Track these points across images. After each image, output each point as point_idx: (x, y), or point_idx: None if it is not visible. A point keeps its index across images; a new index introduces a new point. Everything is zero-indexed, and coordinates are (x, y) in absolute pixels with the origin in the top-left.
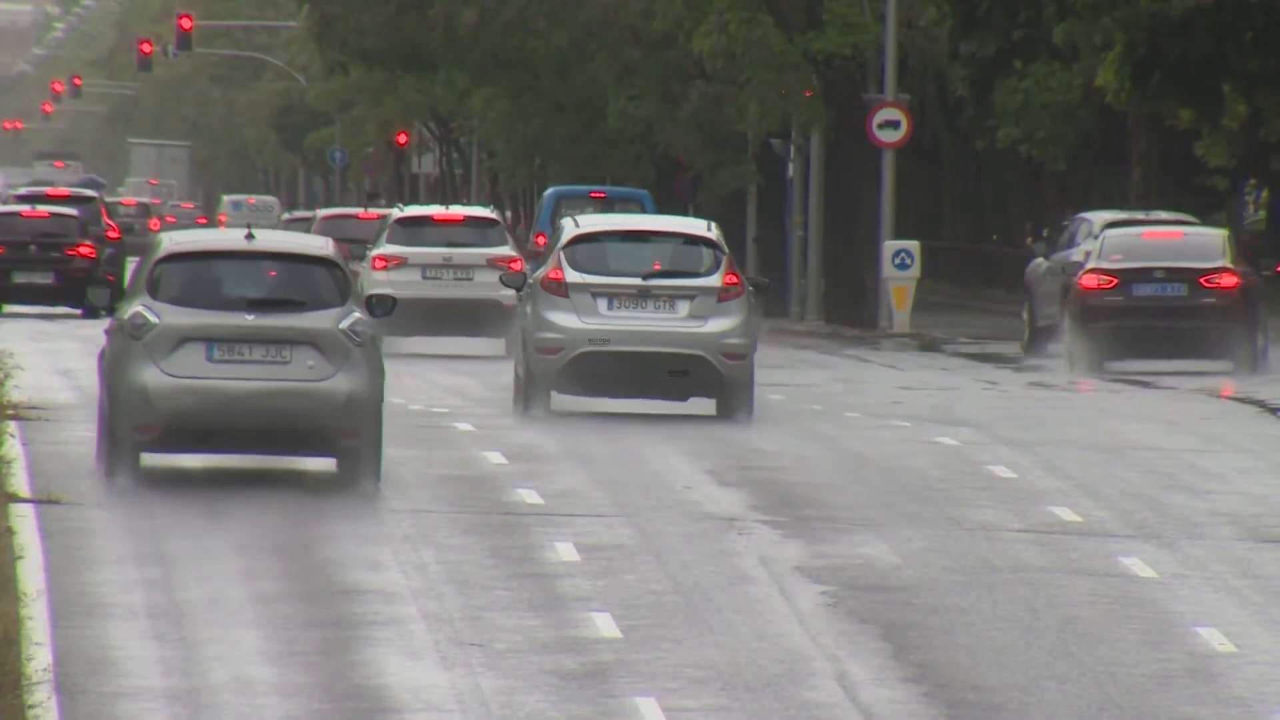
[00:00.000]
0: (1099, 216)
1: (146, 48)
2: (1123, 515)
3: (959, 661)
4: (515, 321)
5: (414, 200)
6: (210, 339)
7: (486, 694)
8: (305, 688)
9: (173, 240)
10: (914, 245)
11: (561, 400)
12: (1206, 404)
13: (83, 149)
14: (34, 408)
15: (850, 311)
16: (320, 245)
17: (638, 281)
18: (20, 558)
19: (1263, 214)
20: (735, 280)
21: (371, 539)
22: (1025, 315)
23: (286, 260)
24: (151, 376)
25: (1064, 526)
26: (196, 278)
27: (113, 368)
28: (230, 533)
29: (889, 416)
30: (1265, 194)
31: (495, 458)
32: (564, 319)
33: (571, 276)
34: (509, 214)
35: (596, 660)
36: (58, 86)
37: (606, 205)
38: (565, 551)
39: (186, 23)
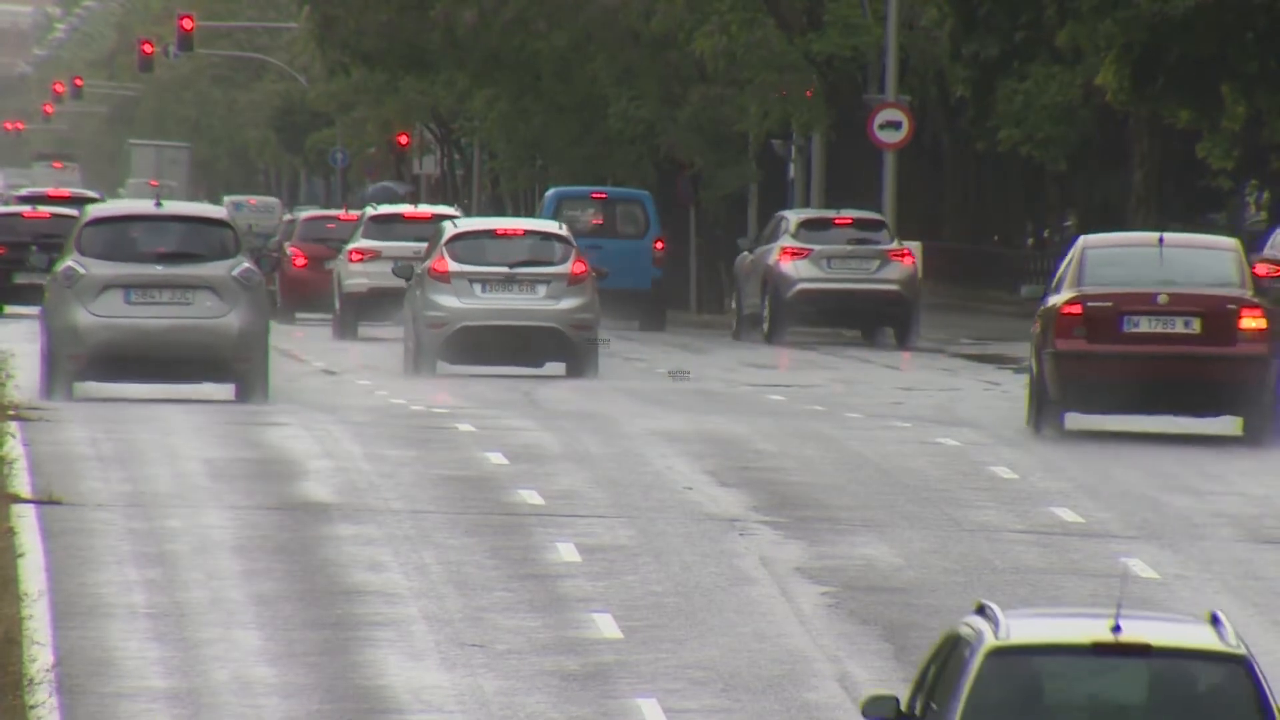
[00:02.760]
0: (795, 215)
1: (147, 49)
2: (1124, 516)
3: None
4: (405, 304)
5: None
6: (127, 285)
7: (487, 695)
8: (306, 688)
9: (96, 209)
10: (915, 246)
11: (445, 365)
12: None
13: (83, 150)
14: (35, 408)
15: None
16: (216, 210)
17: (505, 270)
18: (21, 557)
19: (1264, 215)
20: (582, 268)
21: (372, 540)
22: (733, 305)
23: (188, 222)
24: (81, 316)
25: (1065, 527)
26: (116, 237)
27: (51, 311)
28: (231, 534)
29: (890, 417)
30: (1266, 195)
31: (496, 458)
32: (447, 300)
33: (452, 267)
34: (510, 213)
35: (597, 661)
36: (59, 87)
37: (608, 206)
38: (566, 552)
39: (187, 24)
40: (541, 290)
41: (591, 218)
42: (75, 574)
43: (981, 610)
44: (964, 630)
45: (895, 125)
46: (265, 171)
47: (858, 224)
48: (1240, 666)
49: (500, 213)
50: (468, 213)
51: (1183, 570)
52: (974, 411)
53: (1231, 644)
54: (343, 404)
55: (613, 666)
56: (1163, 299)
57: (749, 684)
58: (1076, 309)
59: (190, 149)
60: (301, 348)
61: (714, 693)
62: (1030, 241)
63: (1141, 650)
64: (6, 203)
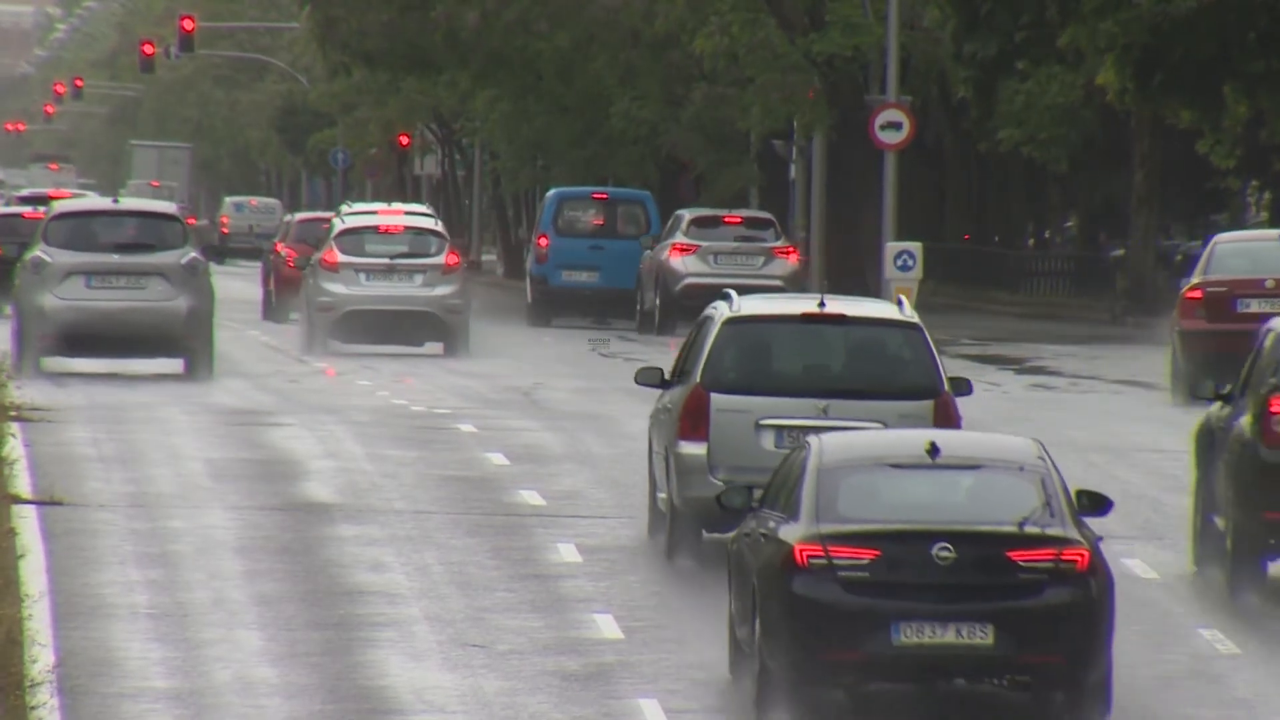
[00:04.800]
0: (689, 213)
1: (149, 49)
2: (1125, 516)
3: None
4: (301, 292)
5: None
6: (89, 272)
7: (489, 695)
8: (308, 689)
9: (61, 205)
10: (916, 246)
11: (335, 344)
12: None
13: (84, 151)
14: (36, 409)
15: None
16: (167, 206)
17: (386, 261)
18: (23, 558)
19: (1265, 215)
20: (455, 259)
21: (374, 540)
22: (639, 302)
23: (142, 216)
24: (48, 300)
25: None
26: (78, 230)
27: (22, 295)
28: (233, 534)
29: None
30: (1268, 196)
31: (497, 459)
32: (335, 288)
33: (341, 258)
34: (511, 214)
35: (599, 661)
36: (59, 88)
37: (609, 206)
38: (567, 553)
39: (189, 24)
40: (418, 279)
41: (593, 218)
42: (77, 575)
43: (725, 295)
44: (710, 311)
45: (896, 126)
46: (266, 172)
47: (747, 223)
48: (915, 331)
49: (502, 213)
50: (469, 213)
51: (1184, 570)
52: (974, 412)
53: (909, 316)
54: (344, 404)
55: (614, 667)
56: (1270, 284)
57: (749, 684)
58: (1198, 294)
59: (192, 150)
60: (295, 346)
61: (715, 693)
62: (1031, 242)
63: (839, 319)
64: (7, 203)
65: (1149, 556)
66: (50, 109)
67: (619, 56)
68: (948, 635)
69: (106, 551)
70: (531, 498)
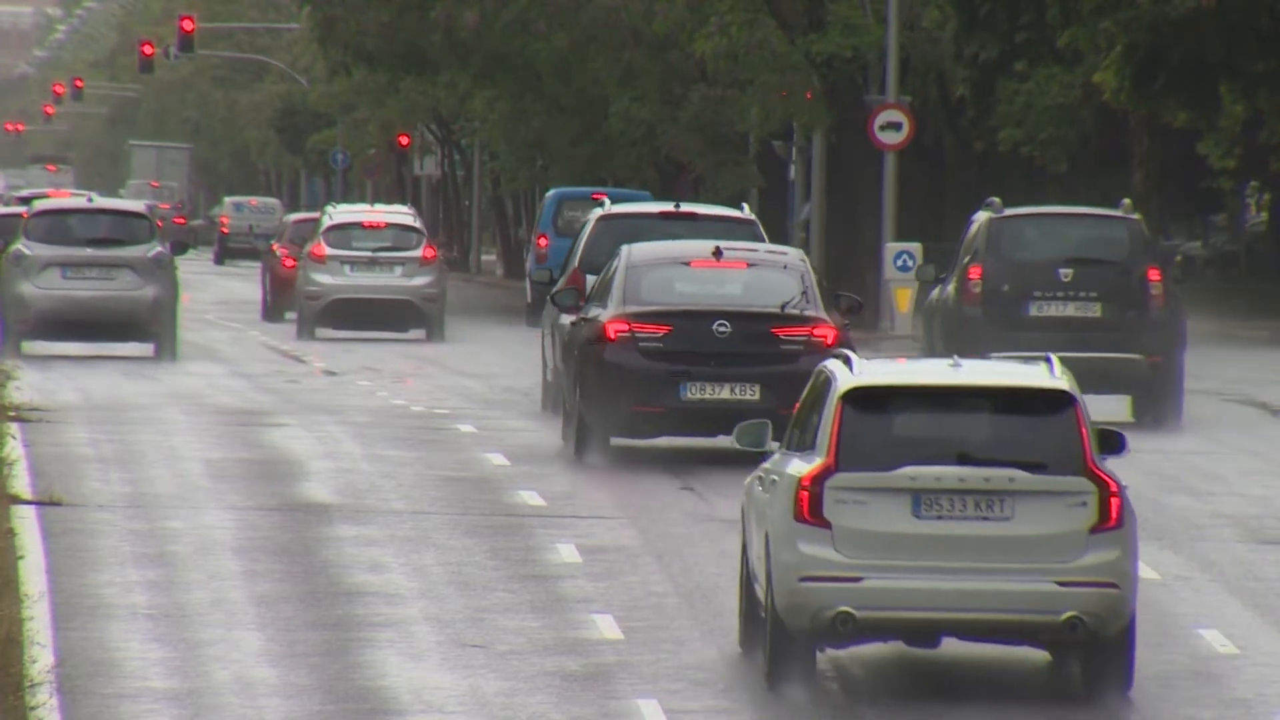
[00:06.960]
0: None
1: (148, 50)
2: None
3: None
4: (296, 284)
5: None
6: (64, 264)
7: (488, 695)
8: (307, 689)
9: (40, 204)
10: (915, 247)
11: (324, 331)
12: (1207, 405)
13: (84, 151)
14: (35, 409)
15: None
16: (136, 204)
17: (369, 254)
18: (22, 558)
19: (1264, 215)
20: (433, 252)
21: (373, 540)
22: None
23: (114, 214)
24: (27, 289)
25: None
26: (56, 225)
27: (4, 285)
28: (232, 535)
29: None
30: (1266, 196)
31: (497, 459)
32: (323, 278)
33: (328, 251)
34: (510, 214)
35: (598, 662)
36: (59, 89)
37: None
38: (567, 553)
39: (188, 24)
40: (398, 270)
41: None
42: (76, 575)
43: (600, 202)
44: (587, 216)
45: (896, 126)
46: (266, 173)
47: None
48: (752, 226)
49: (501, 213)
50: (468, 213)
51: (1184, 571)
52: None
53: (748, 215)
54: (343, 405)
55: (614, 667)
56: None
57: (749, 685)
58: None
59: (191, 150)
60: (294, 347)
61: (714, 693)
62: None
63: (690, 216)
64: (7, 203)
65: (1149, 557)
66: (50, 109)
67: (618, 57)
68: (724, 393)
69: (105, 552)
70: (531, 498)
